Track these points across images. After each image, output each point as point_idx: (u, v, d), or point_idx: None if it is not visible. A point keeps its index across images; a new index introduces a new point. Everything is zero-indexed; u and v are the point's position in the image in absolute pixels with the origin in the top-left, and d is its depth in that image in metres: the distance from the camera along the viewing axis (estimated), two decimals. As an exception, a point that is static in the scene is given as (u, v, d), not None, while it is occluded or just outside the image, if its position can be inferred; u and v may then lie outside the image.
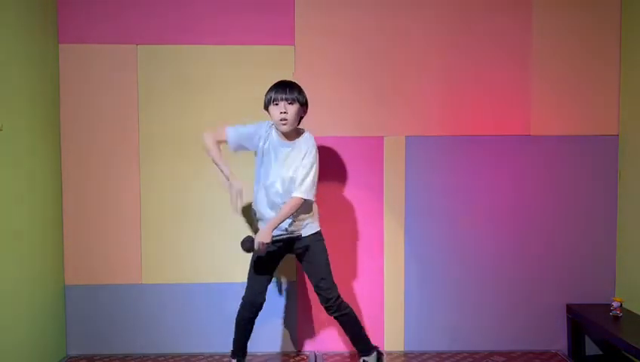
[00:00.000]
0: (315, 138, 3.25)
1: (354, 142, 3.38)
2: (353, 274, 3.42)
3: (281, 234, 2.77)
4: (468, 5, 3.37)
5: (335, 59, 3.37)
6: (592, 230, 3.43)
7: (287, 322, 3.43)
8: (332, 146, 3.38)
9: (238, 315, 2.91)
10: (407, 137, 3.39)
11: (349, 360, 3.32)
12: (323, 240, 2.91)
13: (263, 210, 2.83)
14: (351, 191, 3.39)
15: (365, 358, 2.99)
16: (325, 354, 3.40)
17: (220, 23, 3.34)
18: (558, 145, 3.41)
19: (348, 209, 3.40)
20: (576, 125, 3.40)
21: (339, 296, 2.88)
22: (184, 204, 3.37)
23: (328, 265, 2.88)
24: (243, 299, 2.91)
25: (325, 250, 2.90)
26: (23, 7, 2.92)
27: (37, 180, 3.06)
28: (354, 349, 3.41)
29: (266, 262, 2.85)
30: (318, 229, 2.89)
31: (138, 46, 3.33)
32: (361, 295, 3.42)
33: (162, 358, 3.35)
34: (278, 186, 2.77)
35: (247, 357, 3.33)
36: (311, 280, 2.91)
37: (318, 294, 2.89)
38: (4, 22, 2.75)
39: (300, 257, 2.92)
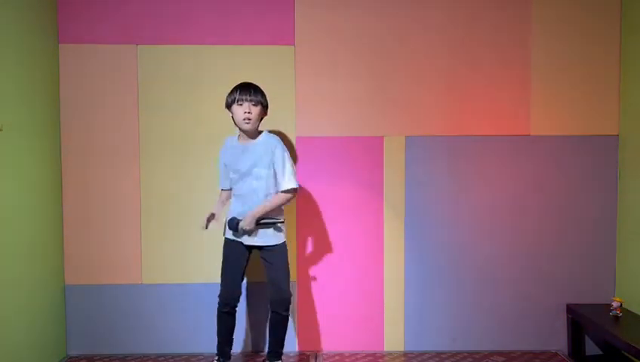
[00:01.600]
0: (314, 138, 3.26)
1: (354, 142, 3.38)
2: (353, 274, 3.42)
3: (265, 219, 2.87)
4: (468, 5, 3.37)
5: (335, 59, 3.37)
6: (592, 230, 3.43)
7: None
8: (332, 146, 3.38)
9: (218, 315, 3.01)
10: (407, 137, 3.39)
11: (348, 360, 3.33)
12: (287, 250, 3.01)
13: (241, 208, 2.93)
14: (351, 191, 3.39)
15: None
16: (325, 354, 3.40)
17: (220, 23, 3.34)
18: (558, 145, 3.41)
19: (348, 209, 3.40)
20: (576, 125, 3.40)
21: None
22: (184, 204, 3.37)
23: (289, 269, 3.01)
24: (219, 296, 2.99)
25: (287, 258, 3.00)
26: (23, 7, 2.92)
27: (37, 180, 3.06)
28: (354, 349, 3.42)
29: (237, 258, 2.96)
30: (285, 240, 2.98)
31: (138, 46, 3.33)
32: (361, 295, 3.42)
33: (162, 358, 3.35)
34: (253, 182, 2.88)
35: (247, 357, 3.34)
36: (273, 279, 2.95)
37: (277, 291, 2.94)
38: (4, 21, 2.75)
39: (265, 259, 2.97)
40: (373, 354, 3.40)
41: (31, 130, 2.99)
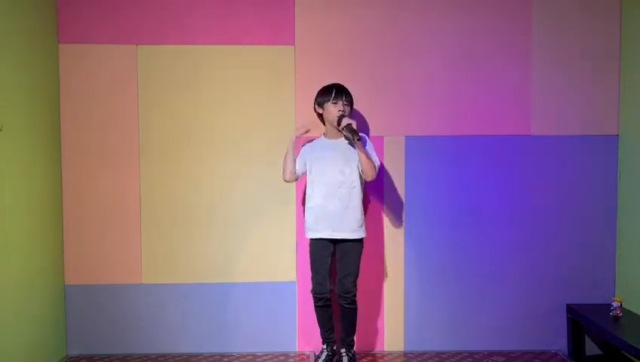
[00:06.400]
0: (314, 138, 3.26)
1: (354, 142, 3.38)
2: (353, 274, 3.41)
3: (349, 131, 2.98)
4: (468, 6, 3.37)
5: (335, 59, 3.37)
6: (592, 230, 3.43)
7: (287, 322, 3.43)
8: (332, 146, 3.37)
9: (314, 307, 3.19)
10: (407, 137, 3.40)
11: (349, 360, 3.33)
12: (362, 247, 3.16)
13: (325, 200, 3.07)
14: (351, 191, 3.39)
15: (345, 351, 3.18)
16: (325, 354, 3.40)
17: (219, 23, 3.34)
18: (558, 145, 3.41)
19: (348, 209, 3.40)
20: (576, 125, 3.40)
21: (355, 293, 3.13)
22: (184, 204, 3.37)
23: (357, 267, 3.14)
24: (312, 291, 3.16)
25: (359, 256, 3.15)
26: (23, 7, 2.92)
27: (37, 180, 3.06)
28: (354, 349, 3.43)
29: (323, 254, 3.10)
30: (363, 237, 3.14)
31: (138, 46, 3.33)
32: (361, 295, 3.40)
33: (162, 358, 3.35)
34: (339, 177, 3.05)
35: (248, 357, 3.34)
36: (340, 273, 3.12)
37: (340, 284, 3.10)
38: (4, 21, 2.74)
39: (339, 252, 3.12)
40: (373, 354, 3.40)
41: (31, 130, 2.99)
